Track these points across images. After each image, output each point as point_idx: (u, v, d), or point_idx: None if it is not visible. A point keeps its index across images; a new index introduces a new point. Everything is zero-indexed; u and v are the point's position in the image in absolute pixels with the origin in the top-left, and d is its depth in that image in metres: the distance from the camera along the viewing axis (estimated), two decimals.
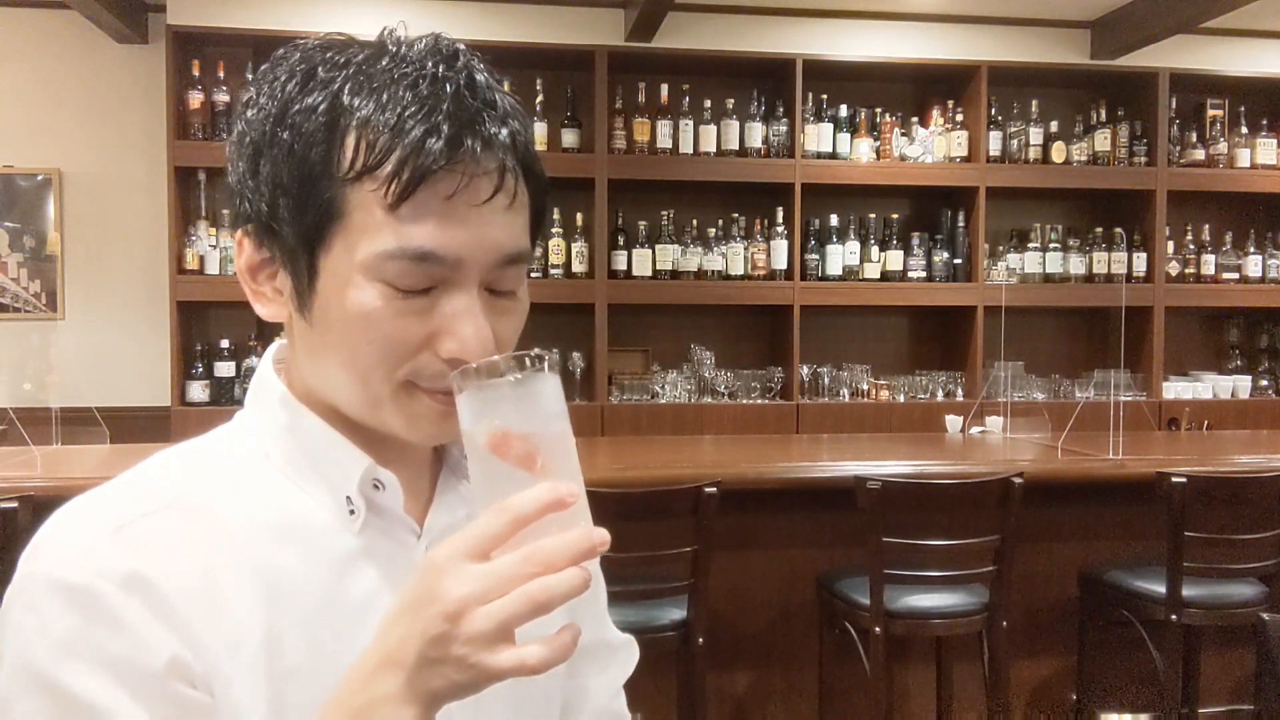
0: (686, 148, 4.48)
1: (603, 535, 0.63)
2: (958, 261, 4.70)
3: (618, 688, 0.98)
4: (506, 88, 0.76)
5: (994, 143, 4.67)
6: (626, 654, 1.00)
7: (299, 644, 0.72)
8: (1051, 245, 4.77)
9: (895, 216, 4.72)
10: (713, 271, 4.52)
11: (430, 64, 0.71)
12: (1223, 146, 4.86)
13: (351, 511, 0.77)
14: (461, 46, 0.74)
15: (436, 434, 0.76)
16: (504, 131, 0.72)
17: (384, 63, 0.72)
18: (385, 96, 0.70)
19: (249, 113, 0.74)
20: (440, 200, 0.69)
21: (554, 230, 4.42)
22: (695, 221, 4.58)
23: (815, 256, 4.60)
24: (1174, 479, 2.65)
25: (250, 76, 4.13)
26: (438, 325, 0.72)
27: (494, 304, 0.74)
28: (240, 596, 0.71)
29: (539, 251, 4.38)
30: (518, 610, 0.61)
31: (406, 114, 0.69)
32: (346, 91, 0.70)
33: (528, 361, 0.67)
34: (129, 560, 0.68)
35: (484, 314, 0.73)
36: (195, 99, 4.23)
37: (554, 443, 0.67)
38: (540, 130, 4.35)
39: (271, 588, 0.73)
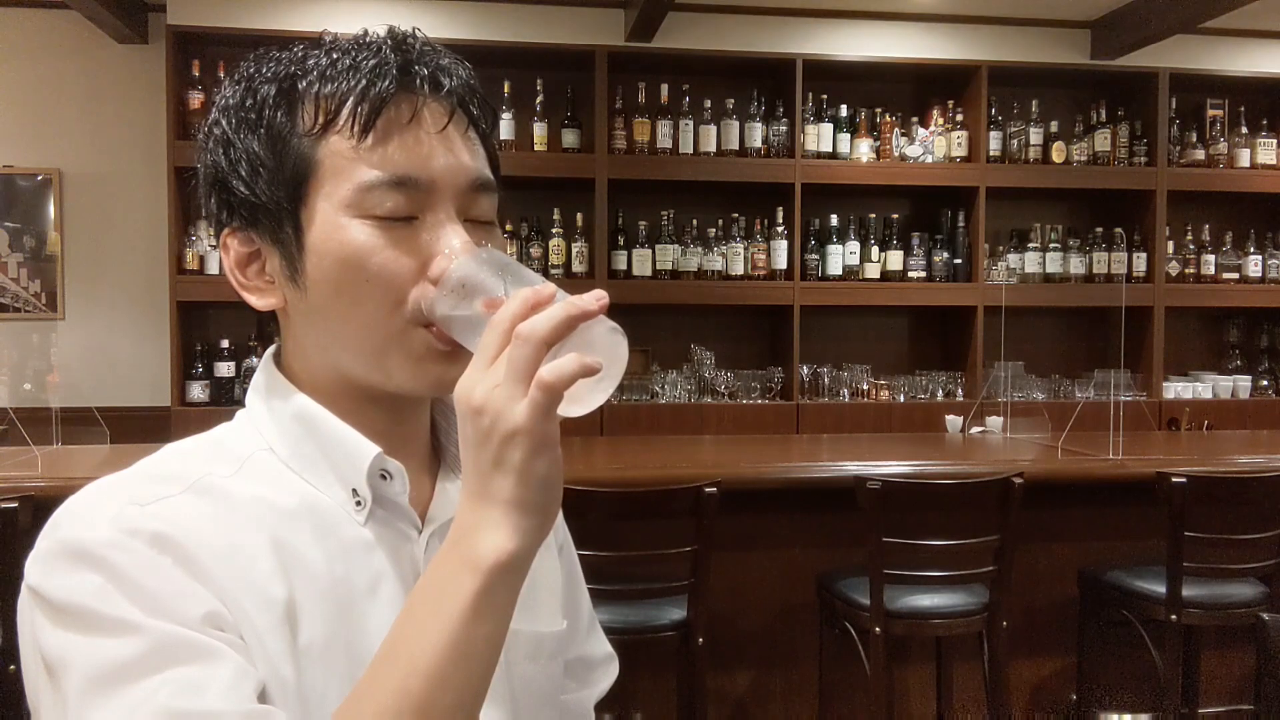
0: (686, 148, 4.48)
1: (597, 294, 0.65)
2: (958, 261, 4.70)
3: (587, 709, 0.97)
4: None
5: (994, 143, 4.68)
6: (603, 671, 0.99)
7: (312, 622, 0.73)
8: (1051, 245, 4.77)
9: (895, 216, 4.72)
10: (713, 271, 4.52)
11: (366, 38, 0.77)
12: (1223, 146, 4.86)
13: (359, 503, 0.78)
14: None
15: (441, 377, 0.76)
16: (447, 66, 0.77)
17: (323, 48, 0.77)
18: (330, 71, 0.75)
19: (212, 116, 0.79)
20: (401, 127, 0.74)
21: (554, 230, 4.42)
22: (695, 221, 4.58)
23: (815, 256, 4.60)
24: (1174, 479, 2.64)
25: None
26: (426, 252, 0.74)
27: (474, 234, 0.76)
28: (265, 566, 0.72)
29: (539, 251, 4.38)
30: (515, 354, 0.61)
31: (351, 67, 0.75)
32: (296, 74, 0.76)
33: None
34: (155, 524, 0.69)
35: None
36: (195, 99, 4.23)
37: (536, 280, 0.69)
38: (540, 130, 4.32)
39: (288, 564, 0.73)
